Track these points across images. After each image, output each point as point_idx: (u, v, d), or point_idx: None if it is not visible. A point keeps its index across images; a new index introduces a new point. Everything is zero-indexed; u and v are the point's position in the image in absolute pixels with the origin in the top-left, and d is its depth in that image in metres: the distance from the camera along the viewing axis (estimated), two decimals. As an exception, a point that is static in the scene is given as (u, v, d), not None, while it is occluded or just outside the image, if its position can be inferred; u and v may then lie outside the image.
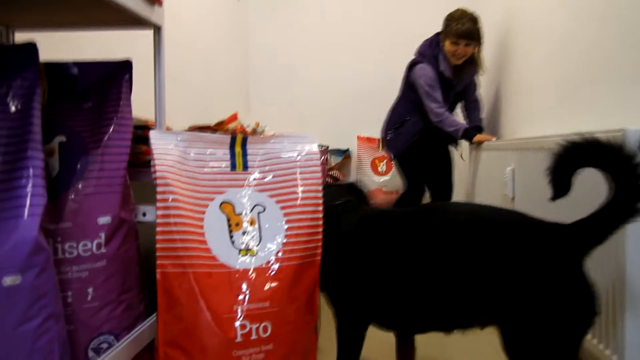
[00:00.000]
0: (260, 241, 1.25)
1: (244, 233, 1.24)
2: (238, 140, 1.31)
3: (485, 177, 2.69)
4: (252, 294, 1.19)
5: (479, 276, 1.05)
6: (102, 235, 1.20)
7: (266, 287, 1.21)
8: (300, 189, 1.30)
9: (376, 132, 3.31)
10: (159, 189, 1.16)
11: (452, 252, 1.10)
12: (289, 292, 1.23)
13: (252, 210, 1.27)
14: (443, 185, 2.93)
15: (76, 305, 1.16)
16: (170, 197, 1.16)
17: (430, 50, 2.81)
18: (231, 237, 1.23)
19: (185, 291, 1.14)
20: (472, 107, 2.95)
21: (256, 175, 1.31)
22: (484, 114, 2.98)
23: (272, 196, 1.30)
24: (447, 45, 2.73)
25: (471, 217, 1.12)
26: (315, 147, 1.36)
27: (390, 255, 1.22)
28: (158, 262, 1.14)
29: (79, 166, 1.19)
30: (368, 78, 3.83)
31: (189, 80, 2.87)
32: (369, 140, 3.79)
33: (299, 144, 1.36)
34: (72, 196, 1.17)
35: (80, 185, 1.18)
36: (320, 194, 1.32)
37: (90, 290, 1.17)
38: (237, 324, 1.15)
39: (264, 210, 1.28)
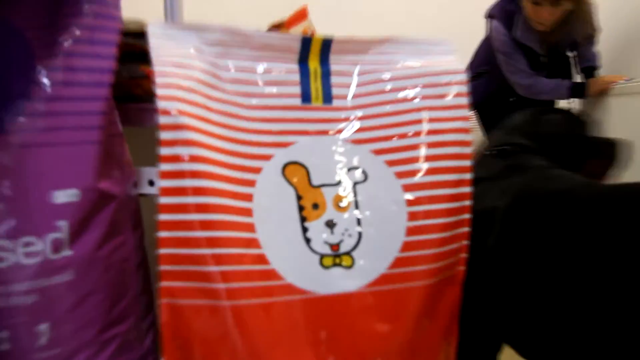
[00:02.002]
0: (359, 240, 0.65)
1: (329, 224, 0.65)
2: (315, 47, 0.69)
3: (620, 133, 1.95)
4: (351, 344, 0.61)
5: None
6: (64, 224, 0.63)
7: (376, 329, 0.62)
8: (431, 139, 0.69)
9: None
10: (163, 135, 0.58)
11: None
12: (413, 337, 0.64)
13: (342, 178, 0.67)
14: None
15: (17, 354, 0.61)
16: (186, 151, 0.57)
17: (502, 4, 1.90)
18: (305, 231, 0.64)
19: (217, 340, 0.58)
20: (582, 44, 1.97)
21: (348, 113, 0.70)
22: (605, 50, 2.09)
23: (379, 152, 0.69)
24: (527, 5, 1.79)
25: None
26: (457, 62, 0.73)
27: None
28: (162, 283, 0.57)
29: (14, 89, 0.62)
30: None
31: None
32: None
33: (426, 55, 0.73)
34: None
35: (16, 127, 0.61)
36: (467, 150, 0.70)
37: (42, 327, 0.62)
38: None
39: (365, 179, 0.67)
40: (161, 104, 0.57)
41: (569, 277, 0.62)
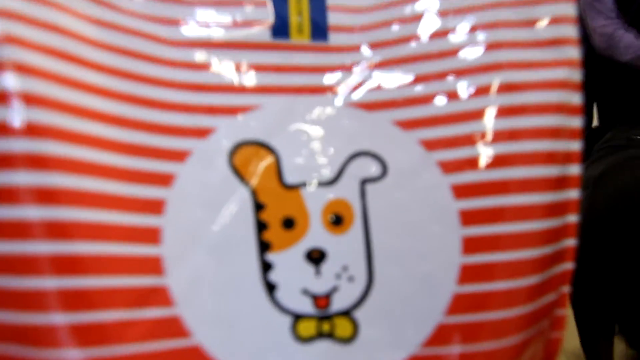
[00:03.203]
0: (369, 287, 0.35)
1: (313, 256, 0.35)
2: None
3: None
4: None
5: None
6: None
7: None
8: (508, 101, 0.37)
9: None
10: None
11: None
12: None
13: (341, 173, 0.37)
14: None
15: None
16: (42, 117, 0.29)
17: None
18: (266, 268, 0.34)
19: None
20: None
21: (357, 57, 0.39)
22: None
23: (408, 125, 0.38)
24: None
25: None
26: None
27: None
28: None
29: None
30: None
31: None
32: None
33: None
34: None
35: None
36: (575, 123, 0.38)
37: None
38: None
39: (384, 174, 0.37)
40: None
41: None
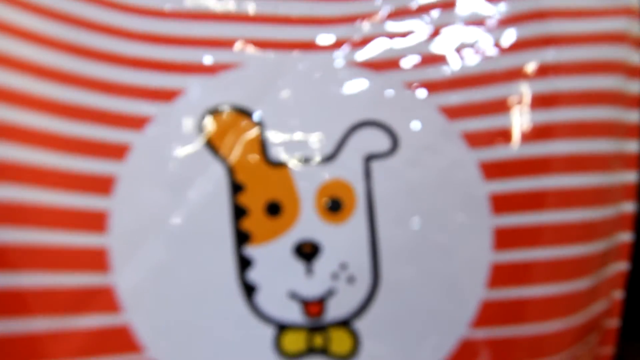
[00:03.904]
0: (375, 291, 0.27)
1: (304, 250, 0.28)
2: None
3: None
4: None
5: None
6: None
7: None
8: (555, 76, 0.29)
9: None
10: None
11: None
12: None
13: (340, 147, 0.29)
14: None
15: None
16: None
17: None
18: (244, 265, 0.27)
19: None
20: None
21: (366, 6, 0.32)
22: None
23: (426, 88, 0.30)
24: None
25: None
26: None
27: None
28: None
29: None
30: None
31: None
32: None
33: None
34: None
35: None
36: (634, 117, 0.30)
37: None
38: None
39: (395, 148, 0.29)
40: None
41: None
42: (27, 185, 0.24)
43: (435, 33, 0.31)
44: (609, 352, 0.32)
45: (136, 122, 0.27)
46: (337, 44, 0.31)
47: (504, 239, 0.28)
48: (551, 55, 0.29)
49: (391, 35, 0.31)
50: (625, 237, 0.31)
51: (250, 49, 0.30)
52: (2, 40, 0.24)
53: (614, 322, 0.32)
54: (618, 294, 0.32)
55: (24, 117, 0.25)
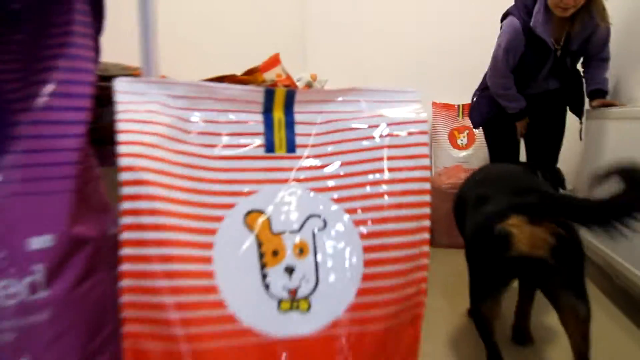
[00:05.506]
0: (317, 285, 0.68)
1: (288, 270, 0.68)
2: (279, 98, 0.72)
3: (611, 154, 1.90)
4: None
5: None
6: (39, 268, 0.67)
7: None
8: (391, 188, 0.71)
9: (455, 98, 2.83)
10: (125, 190, 0.61)
11: None
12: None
13: (302, 226, 0.70)
14: (545, 163, 2.04)
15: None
16: (147, 205, 0.61)
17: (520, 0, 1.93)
18: (264, 276, 0.67)
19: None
20: (594, 65, 2.04)
21: (310, 162, 0.73)
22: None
23: (338, 201, 0.72)
24: None
25: None
26: (420, 111, 0.75)
27: None
28: (124, 328, 0.62)
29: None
30: (446, 31, 2.92)
31: (225, 26, 2.25)
32: (447, 107, 3.00)
33: (387, 104, 0.75)
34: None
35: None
36: (426, 199, 0.72)
37: (22, 363, 0.67)
38: None
39: (324, 226, 0.70)
40: (123, 161, 0.61)
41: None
42: (179, 246, 0.63)
43: (344, 175, 0.72)
44: (420, 312, 0.73)
45: (219, 219, 0.67)
46: (300, 180, 0.72)
47: (370, 264, 0.69)
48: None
49: (322, 176, 0.72)
50: (423, 285, 0.72)
51: (262, 184, 0.70)
52: (167, 191, 0.64)
53: (418, 311, 0.73)
54: (423, 285, 0.73)
55: (177, 221, 0.64)
